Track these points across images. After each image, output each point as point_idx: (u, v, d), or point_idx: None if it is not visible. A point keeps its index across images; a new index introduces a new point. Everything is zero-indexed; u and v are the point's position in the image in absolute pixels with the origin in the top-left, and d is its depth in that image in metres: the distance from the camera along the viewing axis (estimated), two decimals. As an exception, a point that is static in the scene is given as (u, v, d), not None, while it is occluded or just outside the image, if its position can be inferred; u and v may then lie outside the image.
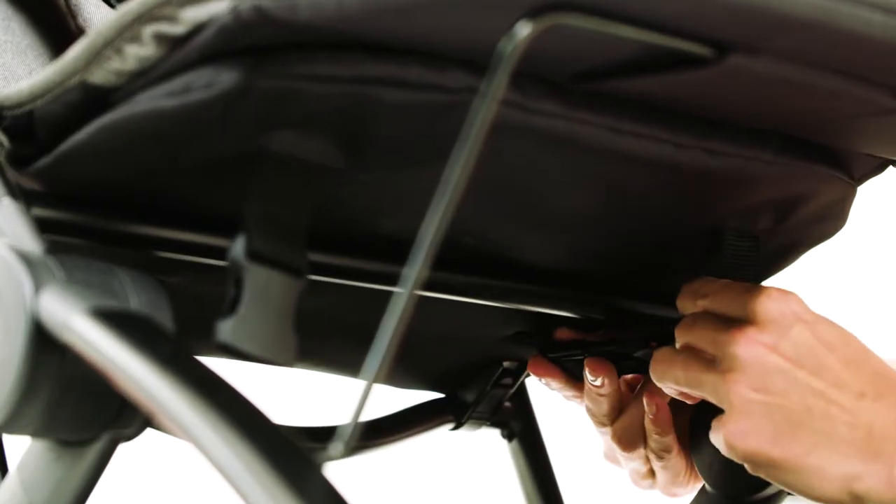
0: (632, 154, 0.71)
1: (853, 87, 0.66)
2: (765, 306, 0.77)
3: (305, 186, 0.65)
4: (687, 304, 0.81)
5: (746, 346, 0.76)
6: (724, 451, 0.77)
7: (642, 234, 0.84)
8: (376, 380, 0.56)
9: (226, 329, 0.63)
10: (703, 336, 0.78)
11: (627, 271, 0.89)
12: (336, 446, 0.56)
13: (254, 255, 0.64)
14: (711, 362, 0.77)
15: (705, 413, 0.81)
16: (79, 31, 0.87)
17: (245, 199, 0.65)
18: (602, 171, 0.74)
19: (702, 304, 0.80)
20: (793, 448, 0.74)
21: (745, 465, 0.77)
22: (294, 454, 0.54)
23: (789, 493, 0.98)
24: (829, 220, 0.86)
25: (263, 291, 0.64)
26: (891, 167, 0.84)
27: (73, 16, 0.88)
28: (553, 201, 0.77)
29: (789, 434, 0.74)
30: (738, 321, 0.77)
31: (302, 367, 0.99)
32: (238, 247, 0.64)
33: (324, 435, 0.92)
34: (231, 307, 0.64)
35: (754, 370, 0.75)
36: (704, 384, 0.78)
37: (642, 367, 0.90)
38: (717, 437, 0.77)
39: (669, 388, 0.82)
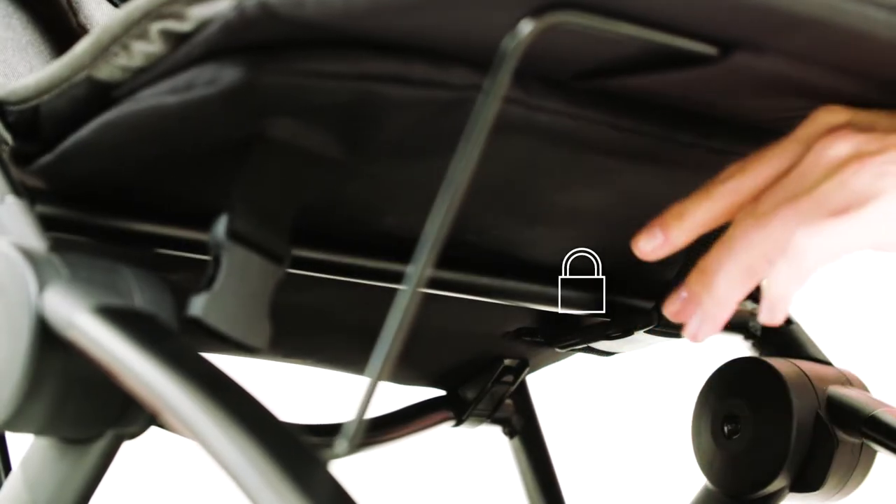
0: (633, 151, 0.71)
1: (856, 85, 0.66)
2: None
3: (298, 174, 0.66)
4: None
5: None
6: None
7: (642, 228, 0.84)
8: (381, 377, 0.56)
9: (198, 304, 0.63)
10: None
11: (628, 267, 0.89)
12: (341, 443, 0.56)
13: (234, 234, 0.64)
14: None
15: (703, 406, 0.80)
16: (79, 29, 0.87)
17: (235, 180, 0.65)
18: (604, 168, 0.74)
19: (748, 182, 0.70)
20: None
21: None
22: (299, 452, 0.54)
23: (791, 490, 0.98)
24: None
25: (241, 272, 0.64)
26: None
27: (74, 13, 0.88)
28: (555, 198, 0.77)
29: None
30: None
31: (306, 364, 0.99)
32: (220, 225, 0.64)
33: (328, 432, 0.92)
34: (207, 284, 0.64)
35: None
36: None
37: None
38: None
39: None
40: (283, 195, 0.66)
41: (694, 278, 0.68)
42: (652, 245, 0.70)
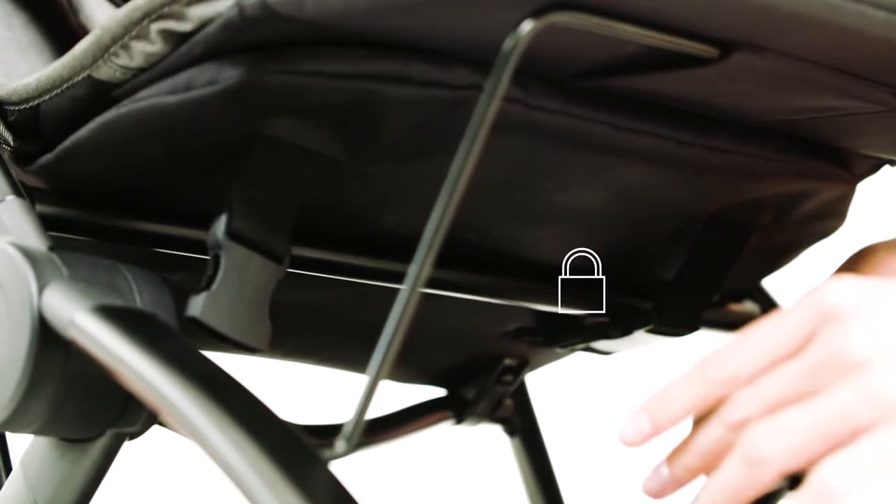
0: (633, 151, 0.72)
1: (856, 85, 0.66)
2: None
3: (298, 174, 0.66)
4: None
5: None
6: None
7: (642, 229, 0.84)
8: (381, 377, 0.56)
9: (197, 304, 0.64)
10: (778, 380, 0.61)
11: (628, 267, 0.89)
12: (341, 443, 0.56)
13: (234, 234, 0.64)
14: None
15: None
16: (79, 29, 0.88)
17: (235, 180, 0.65)
18: (603, 168, 0.74)
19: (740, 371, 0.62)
20: None
21: None
22: (300, 451, 0.54)
23: (790, 489, 0.98)
24: (829, 218, 0.86)
25: (240, 272, 0.64)
26: (886, 166, 0.84)
27: (75, 13, 0.88)
28: (555, 198, 0.77)
29: None
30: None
31: (306, 363, 0.99)
32: (219, 224, 0.64)
33: (328, 432, 0.92)
34: (206, 284, 0.64)
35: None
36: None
37: None
38: None
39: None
40: (282, 195, 0.66)
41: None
42: (639, 436, 0.62)
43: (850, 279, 0.61)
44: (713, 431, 0.61)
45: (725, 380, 0.61)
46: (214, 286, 0.64)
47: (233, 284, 0.65)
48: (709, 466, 0.62)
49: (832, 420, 0.58)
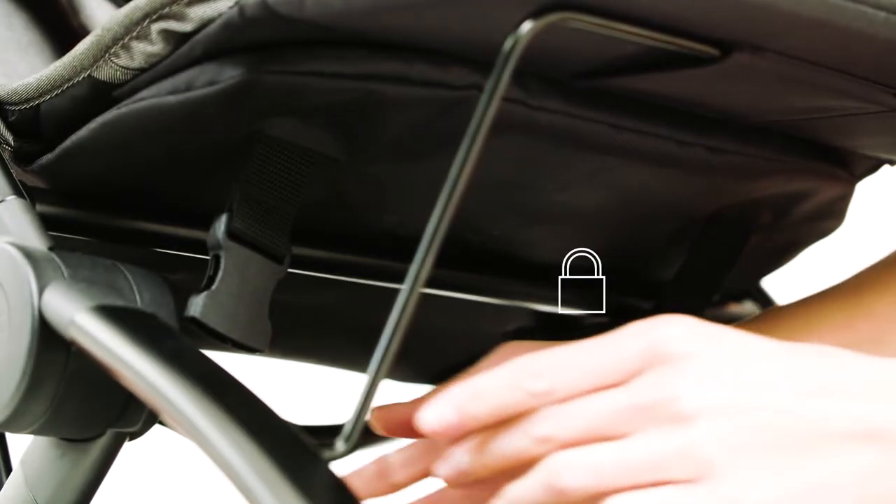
0: (633, 151, 0.72)
1: (856, 85, 0.66)
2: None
3: (298, 174, 0.66)
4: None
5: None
6: None
7: (642, 229, 0.84)
8: (380, 376, 0.56)
9: (197, 304, 0.64)
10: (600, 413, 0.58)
11: (628, 267, 0.89)
12: (341, 443, 0.56)
13: (234, 234, 0.64)
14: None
15: None
16: (80, 29, 0.88)
17: (235, 180, 0.65)
18: (603, 168, 0.74)
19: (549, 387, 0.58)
20: (790, 475, 0.56)
21: None
22: (300, 451, 0.54)
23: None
24: (828, 218, 0.86)
25: (240, 272, 0.65)
26: (885, 166, 0.84)
27: (75, 13, 0.88)
28: (555, 198, 0.77)
29: (779, 461, 0.57)
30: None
31: (306, 363, 0.99)
32: (220, 224, 0.64)
33: (328, 432, 0.92)
34: (206, 284, 0.64)
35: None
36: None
37: None
38: None
39: None
40: (283, 194, 0.66)
41: None
42: (441, 425, 0.58)
43: (691, 322, 0.59)
44: (517, 441, 0.58)
45: (540, 393, 0.58)
46: (214, 286, 0.64)
47: (233, 284, 0.65)
48: (507, 471, 0.59)
49: (643, 468, 0.56)
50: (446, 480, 0.60)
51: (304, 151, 0.65)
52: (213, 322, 0.65)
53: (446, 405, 0.58)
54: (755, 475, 0.55)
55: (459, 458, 0.60)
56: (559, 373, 0.58)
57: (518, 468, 0.58)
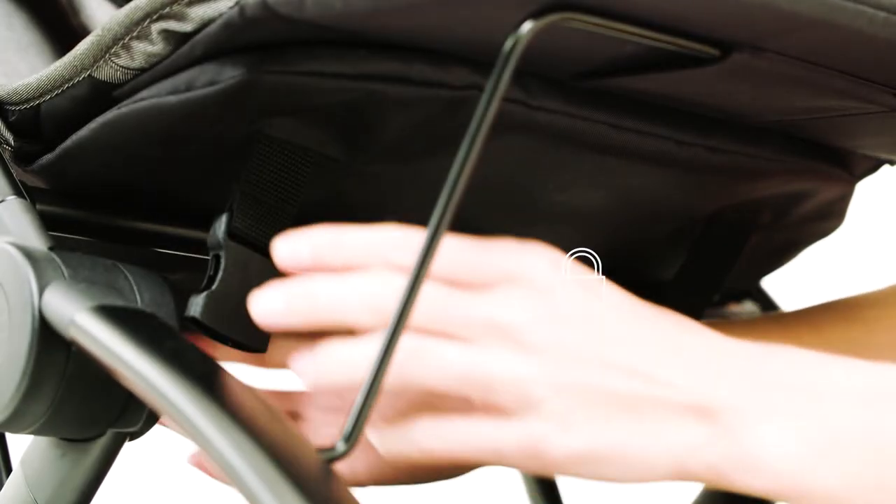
0: (633, 151, 0.72)
1: (856, 85, 0.66)
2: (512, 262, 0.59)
3: (298, 174, 0.66)
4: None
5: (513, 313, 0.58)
6: (518, 462, 0.59)
7: (642, 229, 0.84)
8: (381, 376, 0.56)
9: (196, 304, 0.64)
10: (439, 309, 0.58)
11: (628, 267, 0.89)
12: (341, 443, 0.56)
13: (234, 234, 0.65)
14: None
15: None
16: (80, 29, 0.88)
17: (235, 179, 0.65)
18: (603, 168, 0.74)
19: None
20: (607, 434, 0.57)
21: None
22: (300, 451, 0.54)
23: None
24: (828, 218, 0.87)
25: (241, 272, 0.65)
26: (885, 165, 0.84)
27: (75, 13, 0.88)
28: (555, 198, 0.77)
29: (602, 418, 0.57)
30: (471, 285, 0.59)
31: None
32: (220, 224, 0.64)
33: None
34: (206, 284, 0.64)
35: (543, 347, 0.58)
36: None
37: None
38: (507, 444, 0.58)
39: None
40: (283, 194, 0.66)
41: None
42: (295, 261, 0.58)
43: (564, 260, 0.60)
44: (351, 300, 0.57)
45: (396, 266, 0.58)
46: (215, 286, 0.64)
47: (233, 284, 0.65)
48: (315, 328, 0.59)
49: (479, 382, 0.57)
50: (255, 317, 0.59)
51: (303, 151, 0.65)
52: (213, 322, 0.65)
53: (305, 244, 0.58)
54: (576, 425, 0.57)
55: (275, 297, 0.59)
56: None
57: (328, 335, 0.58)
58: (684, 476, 0.58)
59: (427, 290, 0.57)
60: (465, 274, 0.59)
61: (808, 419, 0.56)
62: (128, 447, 0.67)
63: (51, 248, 0.62)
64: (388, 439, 0.60)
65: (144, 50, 0.62)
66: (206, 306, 0.64)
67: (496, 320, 0.57)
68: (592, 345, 0.57)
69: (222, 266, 0.65)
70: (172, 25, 0.60)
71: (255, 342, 0.67)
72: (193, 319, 0.64)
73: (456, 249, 0.59)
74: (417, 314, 0.56)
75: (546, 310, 0.58)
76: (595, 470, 0.58)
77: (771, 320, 0.83)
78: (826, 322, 0.83)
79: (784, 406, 0.57)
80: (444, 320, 0.58)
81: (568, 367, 0.57)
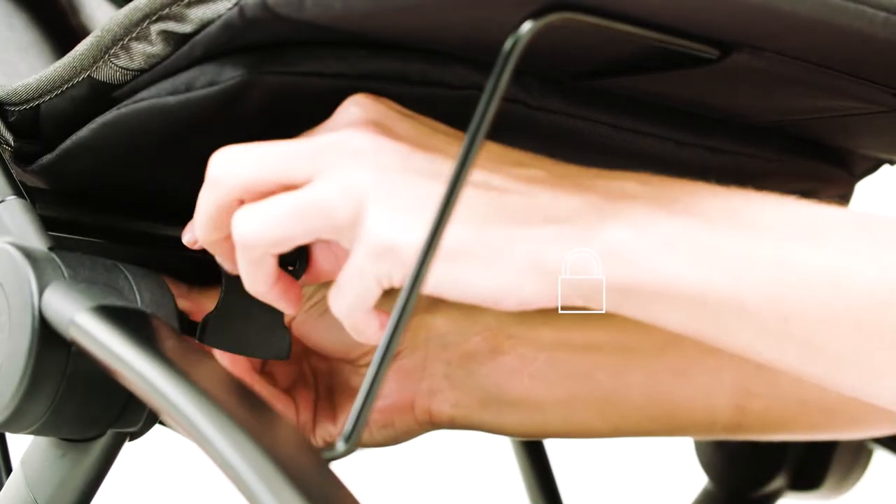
0: (633, 151, 0.72)
1: (856, 85, 0.66)
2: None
3: None
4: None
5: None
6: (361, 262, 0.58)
7: None
8: (381, 377, 0.56)
9: (201, 328, 0.66)
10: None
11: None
12: (341, 443, 0.56)
13: None
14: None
15: None
16: (79, 29, 0.88)
17: None
18: (602, 168, 0.74)
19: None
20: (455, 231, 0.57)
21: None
22: (300, 451, 0.54)
23: (789, 489, 0.98)
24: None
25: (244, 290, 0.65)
26: (885, 165, 0.84)
27: (74, 13, 0.88)
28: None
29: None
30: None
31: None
32: None
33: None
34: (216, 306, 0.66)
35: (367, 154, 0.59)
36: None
37: None
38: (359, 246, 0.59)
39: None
40: None
41: None
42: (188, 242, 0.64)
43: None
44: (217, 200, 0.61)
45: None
46: (217, 307, 0.65)
47: (238, 304, 0.66)
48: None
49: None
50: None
51: None
52: (219, 344, 0.66)
53: (187, 232, 0.64)
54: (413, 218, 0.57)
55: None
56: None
57: None
58: (545, 279, 0.58)
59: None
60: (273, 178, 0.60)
61: (657, 219, 0.58)
62: (128, 447, 0.67)
63: (51, 249, 0.62)
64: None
65: (144, 51, 0.62)
66: (211, 329, 0.66)
67: (321, 145, 0.59)
68: (416, 160, 0.59)
69: (224, 284, 0.66)
70: (171, 26, 0.60)
71: (272, 354, 0.68)
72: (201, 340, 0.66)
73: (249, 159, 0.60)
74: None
75: (371, 132, 0.59)
76: (450, 272, 0.58)
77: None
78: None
79: (631, 210, 0.58)
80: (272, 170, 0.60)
81: (392, 174, 0.58)
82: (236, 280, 0.63)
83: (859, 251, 0.57)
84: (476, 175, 0.58)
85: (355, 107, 0.60)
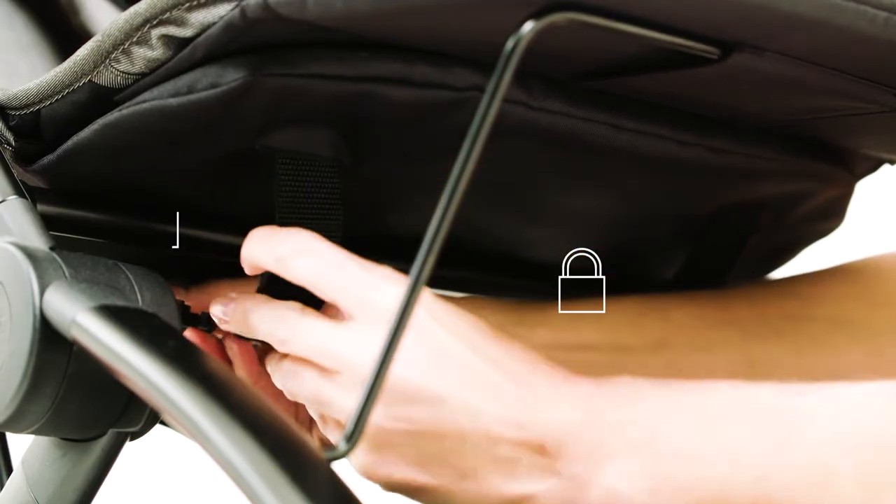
0: (634, 151, 0.72)
1: (856, 85, 0.66)
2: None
3: (300, 176, 0.66)
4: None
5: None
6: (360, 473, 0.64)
7: (642, 229, 0.84)
8: (382, 377, 0.56)
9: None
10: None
11: (628, 266, 0.89)
12: (342, 443, 0.56)
13: None
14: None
15: None
16: (80, 29, 0.88)
17: (235, 183, 0.65)
18: (604, 169, 0.74)
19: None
20: (444, 472, 0.62)
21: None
22: (301, 451, 0.54)
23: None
24: (828, 217, 0.87)
25: None
26: (885, 165, 0.84)
27: (75, 13, 0.88)
28: (555, 198, 0.77)
29: (437, 458, 0.62)
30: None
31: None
32: None
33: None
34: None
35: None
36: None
37: None
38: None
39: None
40: (309, 206, 0.66)
41: None
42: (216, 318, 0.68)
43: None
44: (268, 327, 0.65)
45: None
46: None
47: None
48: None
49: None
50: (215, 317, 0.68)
51: (305, 153, 0.65)
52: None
53: (215, 308, 0.67)
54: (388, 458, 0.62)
55: (221, 310, 0.68)
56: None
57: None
58: None
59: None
60: (323, 291, 0.63)
61: (640, 459, 0.59)
62: (128, 447, 0.67)
63: (52, 248, 0.62)
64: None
65: (144, 55, 0.62)
66: None
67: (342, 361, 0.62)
68: (426, 382, 0.61)
69: None
70: (172, 31, 0.60)
71: None
72: None
73: (320, 263, 0.63)
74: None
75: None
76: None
77: (710, 296, 0.84)
78: (763, 297, 0.84)
79: (618, 445, 0.59)
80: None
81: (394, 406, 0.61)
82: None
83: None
84: None
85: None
